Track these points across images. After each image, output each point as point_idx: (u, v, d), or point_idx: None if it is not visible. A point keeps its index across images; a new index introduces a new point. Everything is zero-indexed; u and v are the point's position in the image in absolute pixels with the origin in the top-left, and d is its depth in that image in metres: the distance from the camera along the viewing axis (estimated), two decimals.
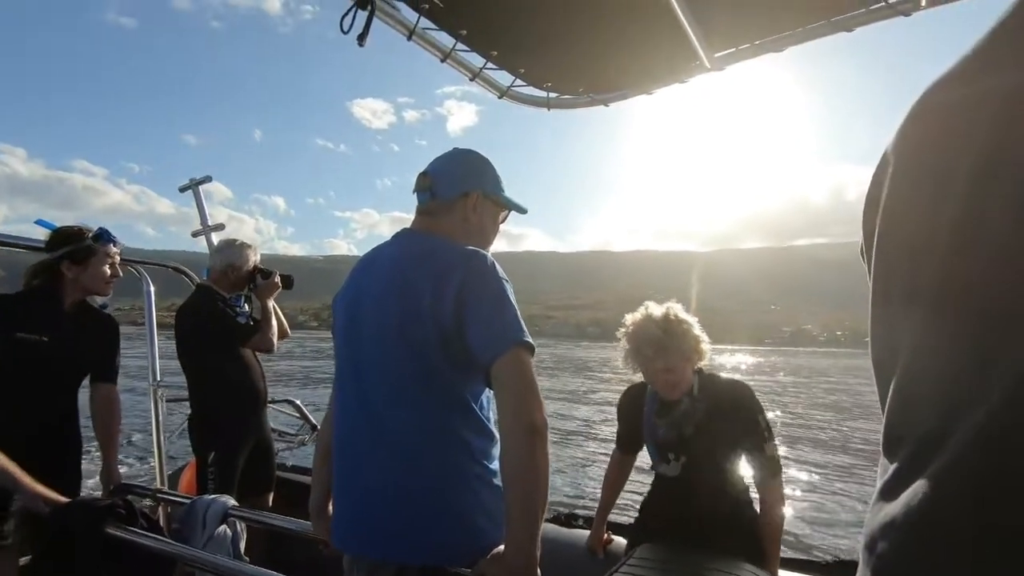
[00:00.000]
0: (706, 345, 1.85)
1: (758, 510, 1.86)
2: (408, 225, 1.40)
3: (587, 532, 2.21)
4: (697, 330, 1.85)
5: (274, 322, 2.77)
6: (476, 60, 1.70)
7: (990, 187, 0.38)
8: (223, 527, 1.72)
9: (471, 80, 1.74)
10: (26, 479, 1.62)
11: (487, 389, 1.27)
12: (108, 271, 2.20)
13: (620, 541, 2.13)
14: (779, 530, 1.81)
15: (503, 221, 1.46)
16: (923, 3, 1.37)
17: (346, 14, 1.32)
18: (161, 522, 2.58)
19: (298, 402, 3.47)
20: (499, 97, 1.84)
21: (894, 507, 0.43)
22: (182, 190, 3.42)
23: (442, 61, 1.62)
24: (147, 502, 2.12)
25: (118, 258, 2.26)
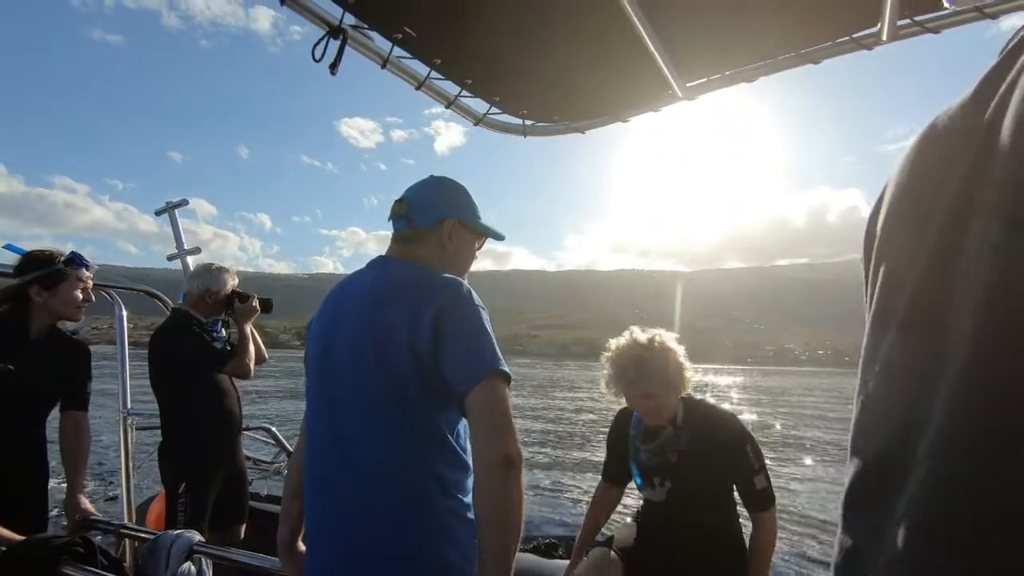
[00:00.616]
0: (690, 373, 1.83)
1: (747, 540, 1.83)
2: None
3: (566, 562, 2.16)
4: (681, 357, 1.82)
5: (251, 347, 2.72)
6: (451, 88, 1.72)
7: (966, 219, 0.39)
8: (187, 564, 1.66)
9: (447, 107, 1.75)
10: None
11: (463, 419, 1.25)
12: (80, 296, 2.15)
13: None
14: (767, 563, 1.77)
15: (479, 248, 1.46)
16: (884, 38, 1.41)
17: (318, 43, 1.32)
18: (128, 557, 2.49)
19: (273, 429, 3.39)
20: (475, 124, 1.85)
21: (857, 542, 0.44)
22: (158, 213, 3.39)
23: (417, 89, 1.62)
24: (111, 538, 2.04)
25: (90, 282, 2.21)
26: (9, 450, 2.00)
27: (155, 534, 1.81)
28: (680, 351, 1.84)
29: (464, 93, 1.72)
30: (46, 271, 2.07)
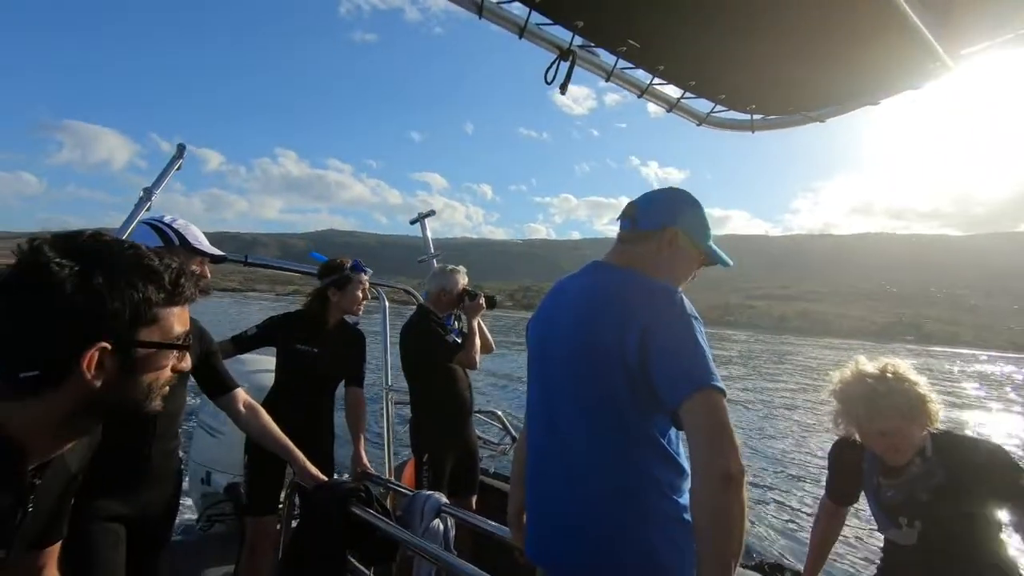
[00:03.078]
0: (935, 406, 1.57)
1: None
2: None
3: None
4: (923, 388, 1.57)
5: (477, 341, 3.05)
6: (674, 91, 1.72)
7: None
8: (436, 521, 1.96)
9: (668, 111, 1.76)
10: (300, 457, 2.03)
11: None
12: (360, 295, 2.70)
13: None
14: None
15: (698, 267, 1.41)
16: None
17: (550, 67, 1.45)
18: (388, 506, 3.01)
19: (500, 413, 3.74)
20: (698, 124, 1.82)
21: None
22: (412, 223, 3.98)
23: (639, 96, 1.67)
24: (380, 489, 2.50)
25: (367, 284, 2.76)
26: (307, 413, 2.59)
27: (411, 492, 2.18)
28: (921, 381, 1.58)
29: (687, 95, 1.71)
30: (339, 276, 2.64)
